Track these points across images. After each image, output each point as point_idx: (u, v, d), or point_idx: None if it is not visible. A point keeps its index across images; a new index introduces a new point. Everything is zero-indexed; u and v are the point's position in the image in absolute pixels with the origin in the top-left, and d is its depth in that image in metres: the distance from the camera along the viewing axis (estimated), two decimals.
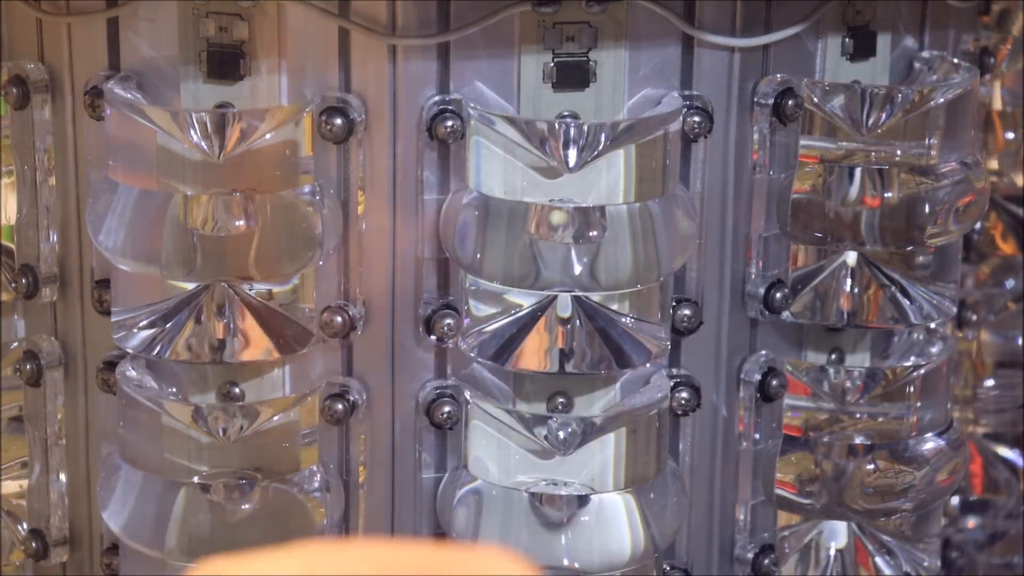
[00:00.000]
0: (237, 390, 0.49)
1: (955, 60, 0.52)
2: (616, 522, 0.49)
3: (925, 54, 0.52)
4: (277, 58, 0.47)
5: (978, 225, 0.55)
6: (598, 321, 0.49)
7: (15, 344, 0.54)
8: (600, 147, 0.45)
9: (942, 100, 0.49)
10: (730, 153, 0.51)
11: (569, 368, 0.48)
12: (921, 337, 0.52)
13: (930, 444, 0.51)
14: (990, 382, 0.57)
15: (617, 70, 0.48)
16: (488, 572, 0.22)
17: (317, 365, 0.50)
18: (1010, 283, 0.57)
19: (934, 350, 0.52)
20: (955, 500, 0.56)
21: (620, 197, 0.47)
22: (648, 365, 0.49)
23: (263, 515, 0.48)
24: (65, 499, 0.55)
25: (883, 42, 0.51)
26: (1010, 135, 0.56)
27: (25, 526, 0.55)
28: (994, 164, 0.55)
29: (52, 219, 0.53)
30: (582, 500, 0.50)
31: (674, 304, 0.51)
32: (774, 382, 0.51)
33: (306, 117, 0.48)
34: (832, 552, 0.52)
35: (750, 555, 0.52)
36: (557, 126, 0.46)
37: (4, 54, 0.55)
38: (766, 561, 0.52)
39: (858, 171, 0.49)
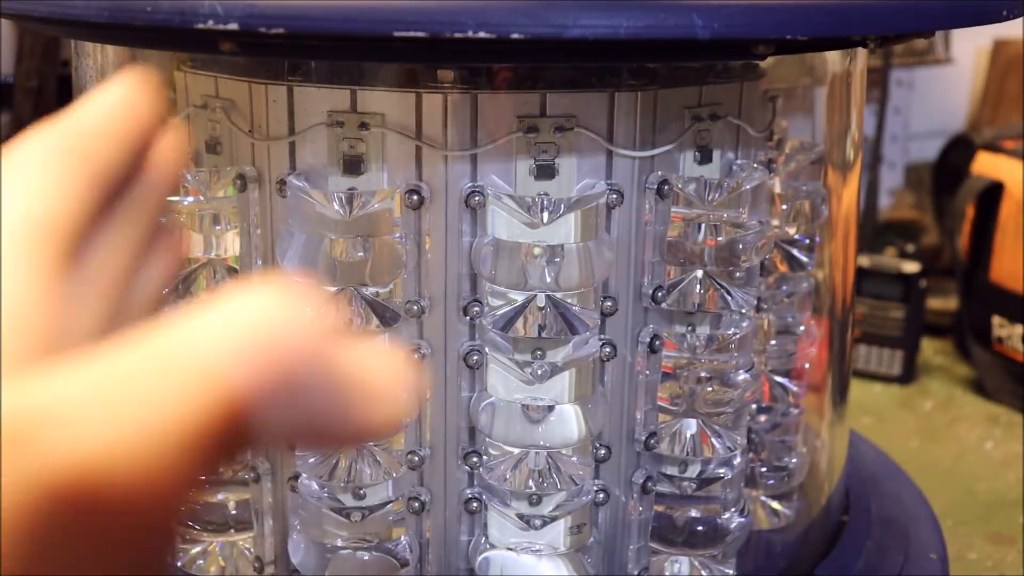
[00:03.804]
0: None
1: (755, 165, 0.60)
2: (569, 420, 0.58)
3: (739, 161, 0.61)
4: (381, 162, 0.55)
5: (767, 255, 0.63)
6: (559, 308, 0.55)
7: None
8: (561, 211, 0.54)
9: (748, 187, 0.57)
10: (633, 216, 0.57)
11: (543, 335, 0.55)
12: (737, 317, 0.59)
13: (742, 376, 0.60)
14: (773, 342, 0.67)
15: (570, 169, 0.56)
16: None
17: (403, 332, 0.57)
18: (784, 288, 0.67)
19: (744, 324, 0.59)
20: (753, 406, 0.64)
21: (572, 239, 0.55)
22: (587, 333, 0.56)
23: None
24: None
25: (716, 155, 0.59)
26: (784, 206, 0.65)
27: None
28: (776, 222, 0.64)
29: (258, 252, 0.59)
30: (550, 408, 0.57)
31: (602, 299, 0.58)
32: (656, 342, 0.59)
33: (397, 195, 0.55)
34: (688, 436, 0.60)
35: (642, 438, 0.60)
36: (536, 199, 0.54)
37: (231, 159, 0.59)
38: (651, 441, 0.60)
39: (703, 225, 0.57)
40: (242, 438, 0.17)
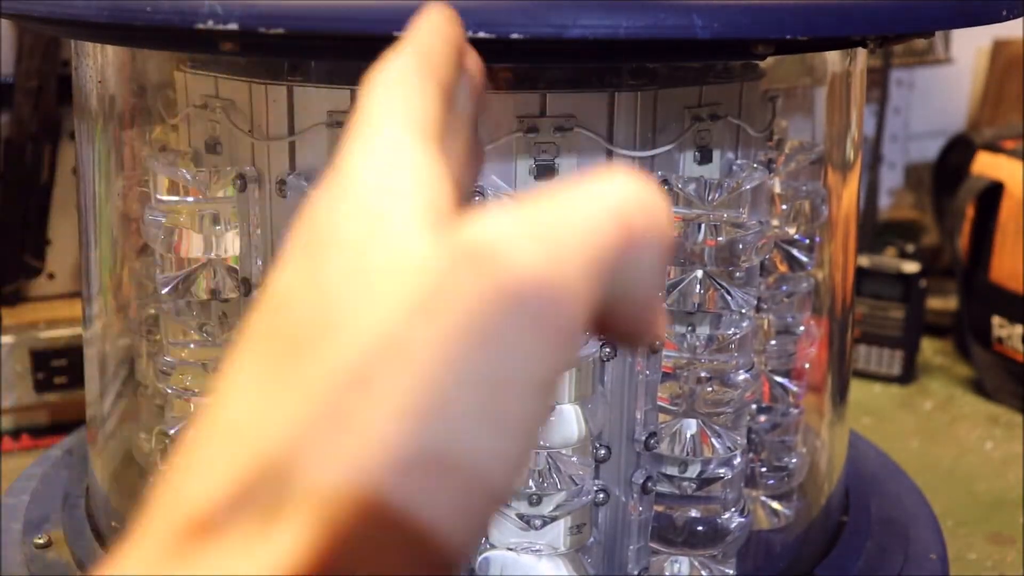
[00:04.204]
0: None
1: (755, 165, 0.60)
2: (569, 420, 0.58)
3: (739, 161, 0.61)
4: None
5: (767, 255, 0.64)
6: None
7: None
8: None
9: (748, 187, 0.58)
10: None
11: None
12: (737, 317, 0.60)
13: (742, 376, 0.60)
14: (772, 342, 0.67)
15: (570, 169, 0.56)
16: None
17: None
18: (784, 288, 0.68)
19: (744, 324, 0.60)
20: (753, 406, 0.65)
21: None
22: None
23: None
24: None
25: (716, 155, 0.60)
26: (784, 206, 0.66)
27: None
28: (776, 222, 0.64)
29: (258, 252, 0.59)
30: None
31: None
32: (656, 342, 0.59)
33: None
34: (688, 436, 0.61)
35: (642, 438, 0.60)
36: None
37: (231, 159, 0.60)
38: (651, 441, 0.60)
39: (703, 225, 0.58)
40: (622, 267, 0.23)
